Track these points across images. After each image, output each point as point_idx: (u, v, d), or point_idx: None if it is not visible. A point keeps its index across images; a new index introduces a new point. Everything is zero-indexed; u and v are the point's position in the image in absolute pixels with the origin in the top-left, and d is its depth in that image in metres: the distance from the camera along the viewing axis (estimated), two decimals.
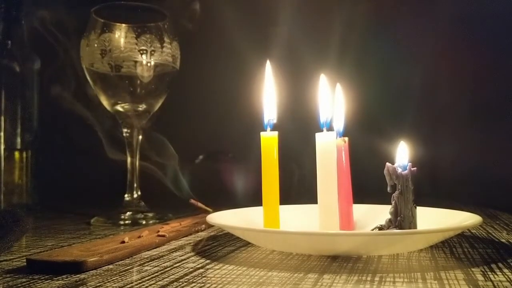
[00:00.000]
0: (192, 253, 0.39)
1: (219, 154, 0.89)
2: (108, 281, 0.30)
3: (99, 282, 0.29)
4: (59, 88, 0.60)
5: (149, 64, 0.58)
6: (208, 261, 0.35)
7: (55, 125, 0.89)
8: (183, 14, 0.56)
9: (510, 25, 0.79)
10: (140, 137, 0.61)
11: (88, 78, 0.60)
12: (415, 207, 0.39)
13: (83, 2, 0.63)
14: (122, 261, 0.36)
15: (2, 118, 0.72)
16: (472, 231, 0.48)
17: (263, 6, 0.88)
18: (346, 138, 0.44)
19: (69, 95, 0.60)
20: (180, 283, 0.29)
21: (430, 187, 0.72)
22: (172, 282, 0.29)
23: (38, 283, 0.30)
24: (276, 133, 0.42)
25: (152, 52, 0.58)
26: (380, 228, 0.40)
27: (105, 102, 0.60)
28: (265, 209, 0.41)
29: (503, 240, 0.43)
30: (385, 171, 0.40)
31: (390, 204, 0.40)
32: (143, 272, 0.32)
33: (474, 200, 0.69)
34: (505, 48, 0.80)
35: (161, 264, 0.34)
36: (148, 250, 0.40)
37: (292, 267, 0.33)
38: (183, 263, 0.35)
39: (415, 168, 0.39)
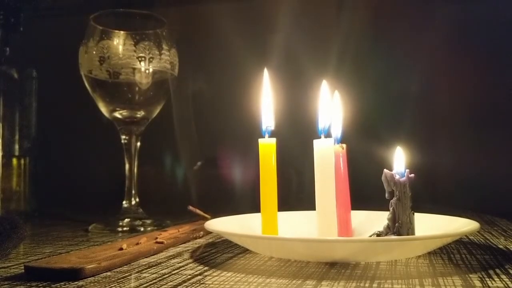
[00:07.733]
0: (190, 260, 0.39)
1: (218, 160, 0.89)
2: None
3: None
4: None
5: (147, 71, 0.58)
6: (206, 268, 0.35)
7: (53, 132, 0.89)
8: None
9: (508, 34, 0.79)
10: (139, 143, 0.61)
11: (87, 85, 0.60)
12: (413, 214, 0.39)
13: (82, 9, 0.63)
14: (120, 268, 0.35)
15: (0, 124, 0.72)
16: (470, 237, 0.48)
17: (261, 13, 0.89)
18: (344, 145, 0.44)
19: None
20: None
21: (428, 194, 0.72)
22: None
23: None
24: (274, 139, 0.42)
25: (151, 59, 0.58)
26: (378, 234, 0.40)
27: (103, 109, 0.60)
28: (263, 215, 0.41)
29: (501, 246, 0.43)
30: (383, 178, 0.40)
31: (388, 210, 0.40)
32: (141, 279, 0.32)
33: (472, 206, 0.69)
34: (502, 56, 0.80)
35: (159, 271, 0.34)
36: (146, 257, 0.40)
37: (291, 274, 0.33)
38: (181, 270, 0.35)
39: (413, 175, 0.40)
